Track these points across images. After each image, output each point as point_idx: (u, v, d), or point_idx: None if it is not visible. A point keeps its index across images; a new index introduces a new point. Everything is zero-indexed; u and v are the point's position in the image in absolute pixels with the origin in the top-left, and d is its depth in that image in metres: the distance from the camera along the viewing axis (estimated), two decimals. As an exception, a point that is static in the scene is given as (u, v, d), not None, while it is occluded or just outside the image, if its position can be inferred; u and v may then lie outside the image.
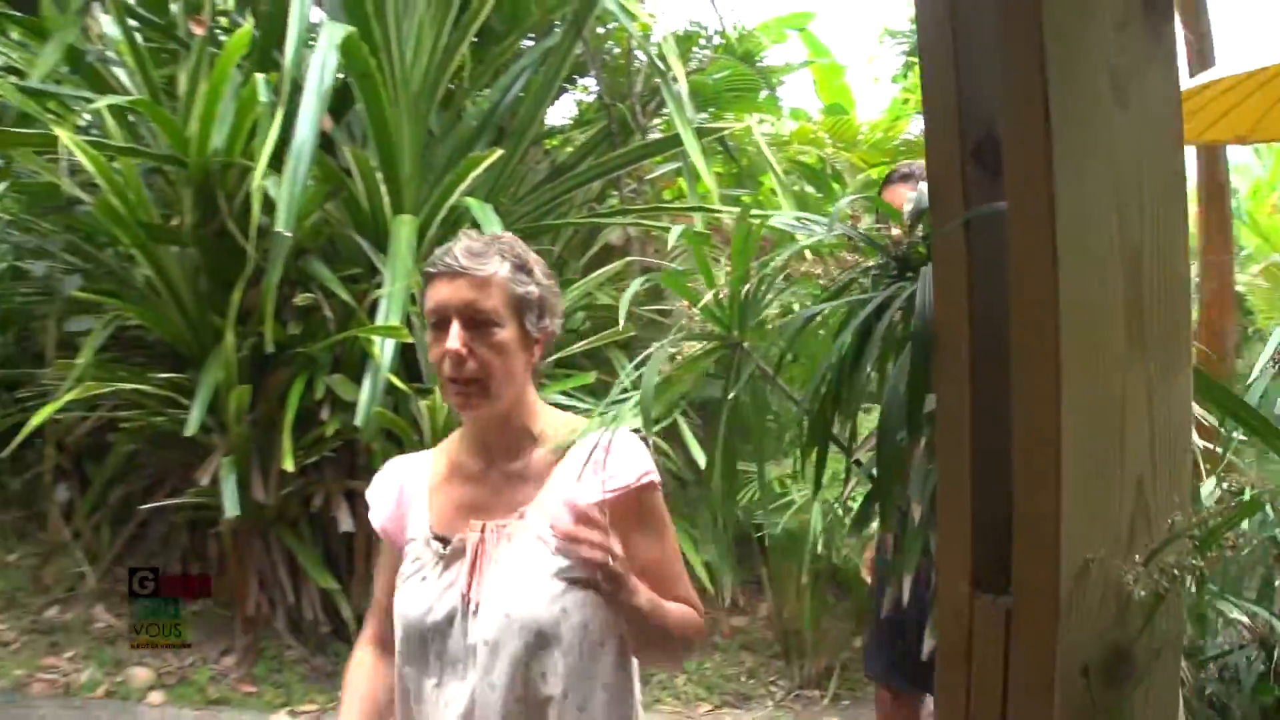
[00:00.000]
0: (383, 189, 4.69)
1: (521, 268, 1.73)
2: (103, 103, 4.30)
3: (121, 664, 4.55)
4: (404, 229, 4.44)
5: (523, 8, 5.61)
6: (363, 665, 1.89)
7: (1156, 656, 1.08)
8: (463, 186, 4.66)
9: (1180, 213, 1.08)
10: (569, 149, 6.24)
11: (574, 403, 4.47)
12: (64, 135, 3.93)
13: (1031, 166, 1.04)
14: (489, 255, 1.70)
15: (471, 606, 1.69)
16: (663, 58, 4.74)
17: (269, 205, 4.10)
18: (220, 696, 4.46)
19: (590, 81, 6.25)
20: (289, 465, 4.17)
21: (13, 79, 4.66)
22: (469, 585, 1.70)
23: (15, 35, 5.31)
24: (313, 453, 4.50)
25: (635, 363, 1.73)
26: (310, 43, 4.33)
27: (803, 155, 6.12)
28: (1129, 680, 1.08)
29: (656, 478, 1.77)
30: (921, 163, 2.71)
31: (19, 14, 5.15)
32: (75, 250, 5.10)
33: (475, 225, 4.47)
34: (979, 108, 1.14)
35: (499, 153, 4.94)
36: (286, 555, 4.73)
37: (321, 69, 4.11)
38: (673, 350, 1.76)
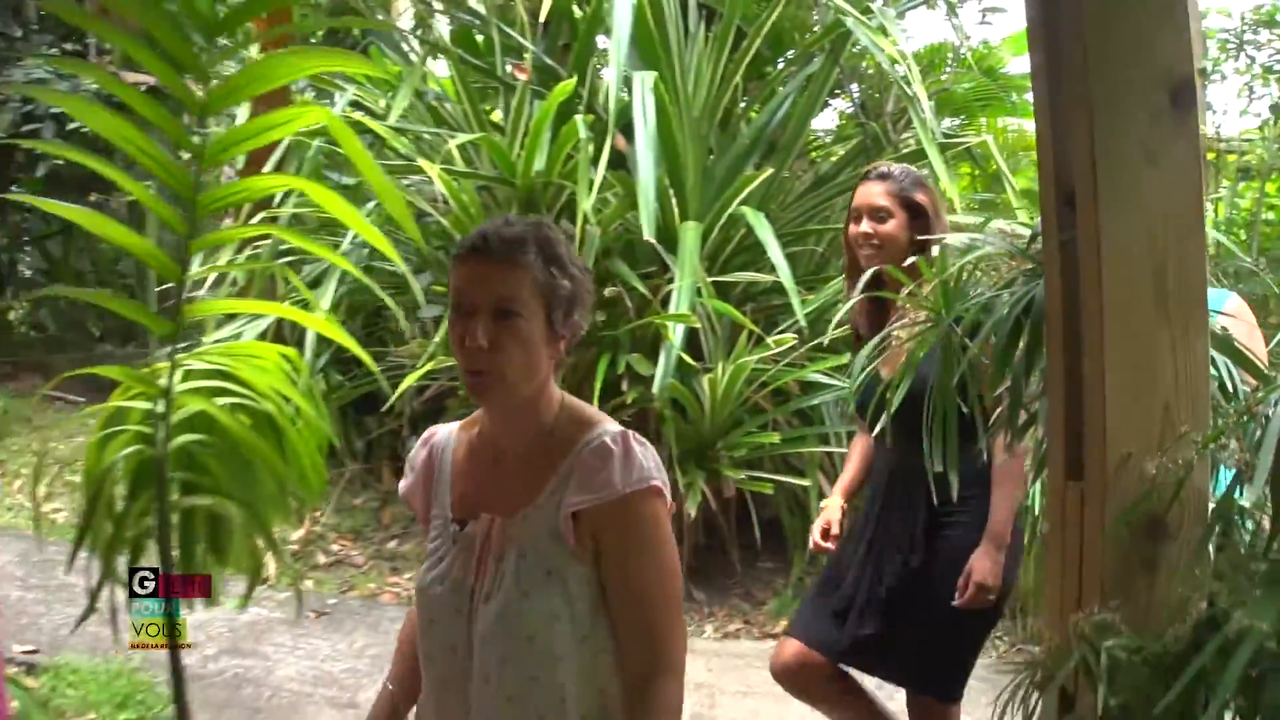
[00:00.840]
0: (672, 200, 5.19)
1: (554, 260, 1.62)
2: (456, 142, 5.18)
3: (449, 583, 5.37)
4: (689, 234, 4.94)
5: (787, 38, 6.12)
6: (409, 624, 1.87)
7: (1185, 523, 1.50)
8: (739, 198, 5.17)
9: (1199, 236, 1.53)
10: (831, 159, 6.61)
11: (833, 380, 5.09)
12: (429, 167, 4.86)
13: (1086, 209, 1.53)
14: (522, 243, 1.59)
15: (475, 600, 1.64)
16: (909, 81, 5.09)
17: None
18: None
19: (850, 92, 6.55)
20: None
21: (356, 113, 5.50)
22: (476, 579, 1.64)
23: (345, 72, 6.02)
24: (614, 418, 5.08)
25: (869, 344, 2.17)
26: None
27: (1048, 157, 6.34)
28: (1164, 539, 1.49)
29: (658, 484, 1.64)
30: (900, 166, 2.99)
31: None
32: (416, 253, 5.79)
33: (749, 229, 5.11)
34: (1069, 165, 1.60)
35: (770, 171, 5.48)
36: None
37: (644, 112, 4.81)
38: (902, 332, 2.19)
